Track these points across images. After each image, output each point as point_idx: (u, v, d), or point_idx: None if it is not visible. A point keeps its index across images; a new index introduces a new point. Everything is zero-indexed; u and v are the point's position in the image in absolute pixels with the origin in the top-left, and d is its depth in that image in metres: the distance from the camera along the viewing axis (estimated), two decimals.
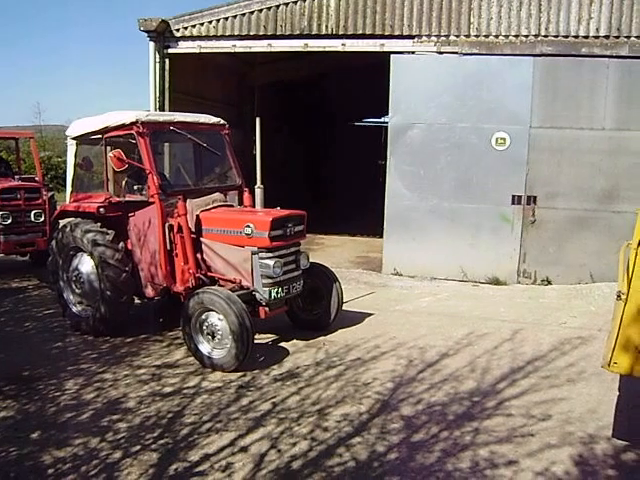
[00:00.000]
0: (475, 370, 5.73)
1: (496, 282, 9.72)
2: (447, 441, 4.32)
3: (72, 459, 4.11)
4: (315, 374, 5.65)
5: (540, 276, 9.68)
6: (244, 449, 4.24)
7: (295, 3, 10.27)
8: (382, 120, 21.72)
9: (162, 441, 4.35)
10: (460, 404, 4.96)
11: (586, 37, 9.25)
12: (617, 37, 9.10)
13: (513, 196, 9.69)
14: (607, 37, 9.15)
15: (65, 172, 7.67)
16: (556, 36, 9.36)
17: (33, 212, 9.90)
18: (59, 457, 4.14)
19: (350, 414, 4.78)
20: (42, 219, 9.95)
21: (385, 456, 4.13)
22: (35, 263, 10.60)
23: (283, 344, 6.58)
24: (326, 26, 10.20)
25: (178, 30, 10.82)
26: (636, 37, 9.03)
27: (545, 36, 9.40)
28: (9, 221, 9.64)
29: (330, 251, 12.74)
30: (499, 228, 9.81)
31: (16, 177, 10.63)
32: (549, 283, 9.59)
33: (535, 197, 9.62)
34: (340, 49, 10.32)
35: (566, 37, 9.33)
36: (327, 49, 10.44)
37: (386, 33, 9.98)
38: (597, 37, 9.20)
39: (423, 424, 4.60)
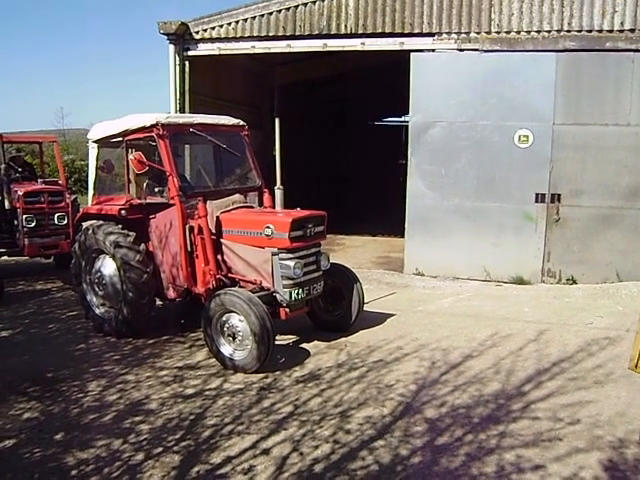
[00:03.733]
0: (500, 372, 5.63)
1: (520, 282, 9.58)
2: (472, 445, 4.24)
3: (95, 460, 4.12)
4: (337, 376, 5.61)
5: (565, 275, 9.51)
6: (266, 452, 4.21)
7: (314, 3, 10.24)
8: (403, 119, 21.60)
9: (184, 443, 4.35)
10: (485, 407, 4.87)
11: (610, 31, 9.05)
12: None
13: (537, 194, 9.53)
14: (632, 31, 8.94)
15: (87, 175, 7.75)
16: (579, 31, 9.17)
17: (56, 215, 10.02)
18: (82, 458, 4.15)
19: (373, 416, 4.72)
20: (65, 222, 10.07)
21: (409, 460, 4.07)
22: (59, 265, 10.72)
23: (304, 345, 6.54)
24: (345, 25, 10.16)
25: (197, 32, 10.87)
26: None
27: (568, 31, 9.22)
28: (33, 224, 9.76)
29: (351, 251, 12.69)
30: (522, 227, 9.65)
31: (40, 180, 10.76)
32: (574, 282, 9.41)
33: (559, 195, 9.45)
34: (359, 48, 10.26)
35: (590, 32, 9.14)
36: (346, 49, 10.39)
37: (406, 31, 9.89)
38: (622, 31, 9.00)
39: (447, 427, 4.52)
